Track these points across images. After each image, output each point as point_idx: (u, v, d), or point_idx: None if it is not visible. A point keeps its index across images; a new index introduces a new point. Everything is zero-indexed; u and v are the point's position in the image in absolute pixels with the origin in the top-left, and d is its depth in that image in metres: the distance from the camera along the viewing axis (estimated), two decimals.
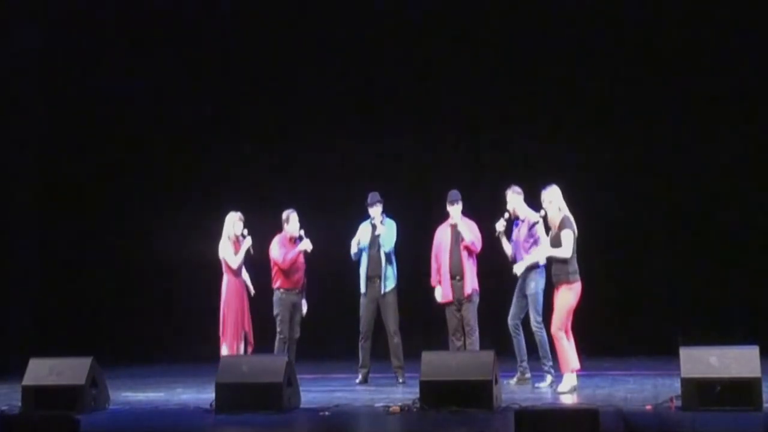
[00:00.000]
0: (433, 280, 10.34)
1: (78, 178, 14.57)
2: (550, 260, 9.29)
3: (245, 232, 10.42)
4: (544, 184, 9.39)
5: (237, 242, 10.42)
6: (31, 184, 14.49)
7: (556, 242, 9.24)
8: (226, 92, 14.46)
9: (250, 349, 10.40)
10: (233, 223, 10.44)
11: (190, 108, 14.46)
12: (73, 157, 14.56)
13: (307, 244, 10.52)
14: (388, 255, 10.49)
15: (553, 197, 9.30)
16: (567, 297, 9.14)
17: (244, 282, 10.49)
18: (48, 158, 14.59)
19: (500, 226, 9.83)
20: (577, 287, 9.19)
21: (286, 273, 10.53)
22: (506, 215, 9.87)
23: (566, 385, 9.10)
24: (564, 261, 9.14)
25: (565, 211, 9.28)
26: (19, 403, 8.46)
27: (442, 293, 10.23)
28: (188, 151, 14.48)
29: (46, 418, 7.17)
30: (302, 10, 14.28)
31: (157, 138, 14.49)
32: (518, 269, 9.79)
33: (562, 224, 9.22)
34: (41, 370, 8.53)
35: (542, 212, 9.37)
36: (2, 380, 10.84)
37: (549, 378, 9.67)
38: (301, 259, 10.60)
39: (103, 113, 14.56)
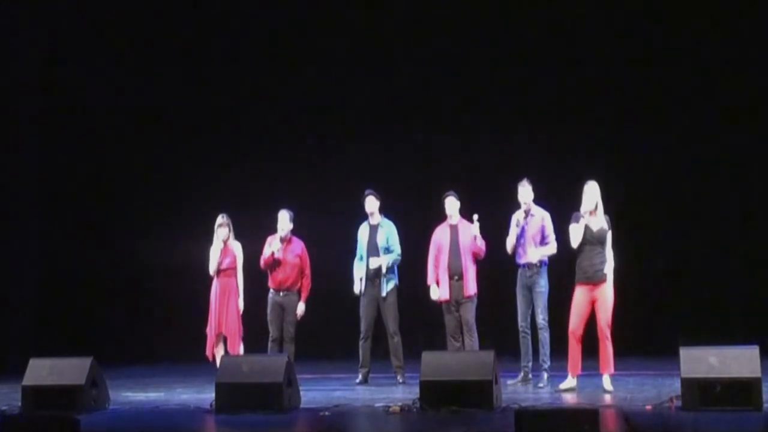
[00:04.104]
0: (430, 279, 10.34)
1: (78, 177, 14.58)
2: (594, 256, 9.20)
3: (222, 236, 10.43)
4: (585, 178, 9.39)
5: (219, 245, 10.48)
6: (32, 185, 14.49)
7: (603, 237, 9.21)
8: (223, 94, 14.48)
9: (235, 350, 10.39)
10: (215, 227, 10.50)
11: (189, 111, 14.48)
12: (73, 159, 14.57)
13: (274, 246, 10.49)
14: (388, 253, 10.47)
15: (597, 191, 9.28)
16: (612, 292, 9.18)
17: (232, 285, 10.50)
18: (48, 159, 14.60)
19: (521, 217, 9.83)
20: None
21: (270, 271, 10.56)
22: (525, 207, 9.86)
23: (608, 384, 9.13)
24: (606, 259, 9.20)
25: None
26: (19, 403, 8.45)
27: (439, 292, 10.23)
28: (188, 152, 14.50)
29: (46, 418, 7.17)
30: (302, 10, 14.29)
31: (157, 141, 14.50)
32: (533, 255, 9.77)
33: (610, 225, 9.26)
34: (41, 370, 8.52)
35: (588, 207, 9.22)
36: (2, 380, 10.84)
37: (545, 375, 9.70)
38: (289, 260, 10.55)
39: (105, 115, 14.59)
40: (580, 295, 9.26)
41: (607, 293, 9.20)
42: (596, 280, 9.20)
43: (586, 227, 9.23)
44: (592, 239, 9.22)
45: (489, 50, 13.93)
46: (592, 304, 9.22)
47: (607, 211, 9.37)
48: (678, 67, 13.50)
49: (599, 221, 9.27)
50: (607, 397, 8.72)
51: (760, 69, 13.21)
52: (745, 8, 13.25)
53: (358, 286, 10.58)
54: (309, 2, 14.33)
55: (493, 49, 13.90)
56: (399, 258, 10.53)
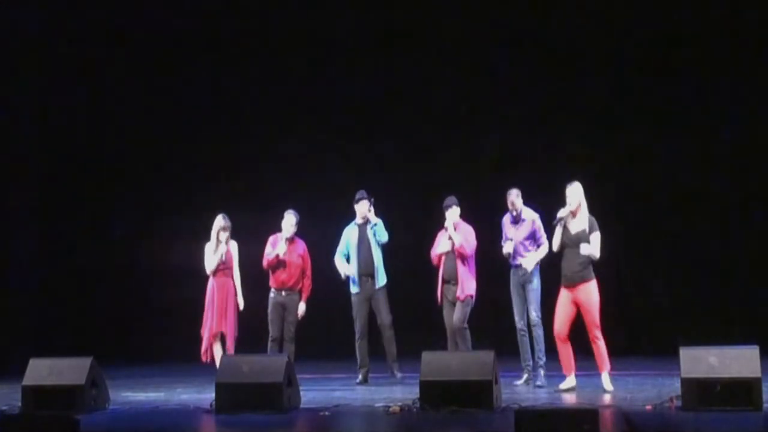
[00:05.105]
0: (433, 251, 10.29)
1: (78, 177, 14.58)
2: (573, 258, 9.16)
3: (223, 238, 10.46)
4: (568, 180, 9.36)
5: (217, 246, 10.48)
6: (32, 184, 14.48)
7: (581, 239, 9.16)
8: (222, 96, 14.48)
9: (229, 350, 10.40)
10: (215, 228, 10.51)
11: (189, 112, 14.48)
12: (73, 159, 14.57)
13: (280, 248, 10.52)
14: (380, 250, 10.50)
15: (579, 193, 9.27)
16: (596, 293, 9.13)
17: (230, 284, 10.53)
18: (48, 159, 14.60)
19: (510, 249, 9.90)
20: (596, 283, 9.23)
21: (271, 272, 10.59)
22: (515, 213, 9.95)
23: (608, 384, 9.12)
24: (590, 260, 9.14)
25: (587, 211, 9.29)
26: (19, 403, 8.45)
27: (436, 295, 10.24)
28: (188, 153, 14.50)
29: (46, 418, 7.17)
30: (302, 10, 14.29)
31: (156, 141, 14.50)
32: (529, 263, 9.80)
33: (593, 225, 9.19)
34: (41, 370, 8.52)
35: (568, 208, 9.25)
36: (2, 380, 10.84)
37: (542, 372, 9.76)
38: (292, 261, 10.57)
39: (104, 115, 14.59)
40: (562, 297, 9.27)
41: (588, 294, 9.14)
42: (575, 282, 9.17)
43: (565, 229, 9.23)
44: (570, 242, 9.20)
45: (487, 52, 13.93)
46: (576, 305, 9.20)
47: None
48: (676, 68, 13.51)
49: (580, 223, 9.23)
50: (607, 397, 8.72)
51: (757, 66, 13.22)
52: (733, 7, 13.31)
53: (344, 270, 10.61)
54: (309, 3, 14.32)
55: (491, 51, 13.91)
56: (387, 237, 10.49)
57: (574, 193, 9.23)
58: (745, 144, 13.29)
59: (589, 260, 9.15)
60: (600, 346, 9.13)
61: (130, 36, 14.41)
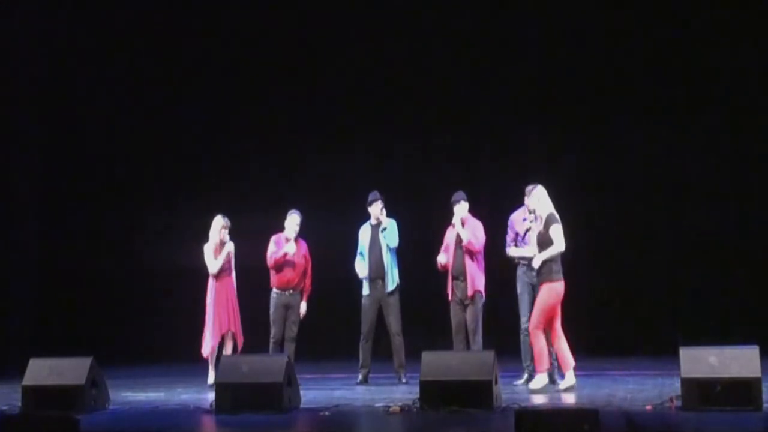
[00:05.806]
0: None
1: (78, 177, 14.58)
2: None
3: (226, 238, 10.47)
4: (530, 185, 9.40)
5: (220, 246, 10.49)
6: (32, 185, 14.49)
7: (545, 241, 9.20)
8: (223, 95, 14.48)
9: (240, 347, 10.45)
10: (216, 228, 10.51)
11: (189, 112, 14.49)
12: (73, 159, 14.57)
13: (290, 247, 10.53)
14: (392, 253, 10.50)
15: (541, 197, 9.30)
16: (549, 296, 9.14)
17: (233, 283, 10.56)
18: (49, 159, 14.59)
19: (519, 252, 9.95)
20: (558, 286, 9.17)
21: (276, 271, 10.59)
22: (531, 210, 9.97)
23: (538, 383, 9.15)
24: (550, 259, 9.15)
25: (551, 209, 9.29)
26: (19, 403, 8.45)
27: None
28: (188, 153, 14.50)
29: (46, 418, 7.17)
30: (302, 13, 14.30)
31: (157, 141, 14.50)
32: (536, 262, 9.82)
33: (549, 221, 9.19)
34: (41, 370, 8.53)
35: (532, 216, 9.36)
36: (2, 380, 10.84)
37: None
38: (298, 261, 10.59)
39: (105, 115, 14.60)
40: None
41: (543, 293, 9.19)
42: (536, 282, 9.31)
43: (536, 233, 9.33)
44: (537, 244, 9.29)
45: (488, 52, 13.94)
46: None
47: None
48: (671, 69, 13.54)
49: (541, 225, 9.29)
50: (607, 398, 8.71)
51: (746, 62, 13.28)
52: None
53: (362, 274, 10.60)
54: (310, 5, 14.32)
55: (492, 51, 13.92)
56: (396, 242, 10.49)
57: (534, 197, 9.30)
58: (747, 144, 13.28)
59: (550, 262, 9.15)
60: (535, 345, 9.15)
61: (132, 35, 14.42)
